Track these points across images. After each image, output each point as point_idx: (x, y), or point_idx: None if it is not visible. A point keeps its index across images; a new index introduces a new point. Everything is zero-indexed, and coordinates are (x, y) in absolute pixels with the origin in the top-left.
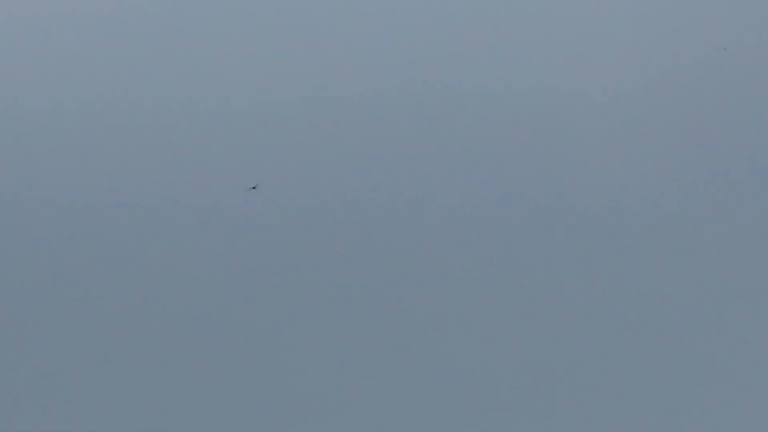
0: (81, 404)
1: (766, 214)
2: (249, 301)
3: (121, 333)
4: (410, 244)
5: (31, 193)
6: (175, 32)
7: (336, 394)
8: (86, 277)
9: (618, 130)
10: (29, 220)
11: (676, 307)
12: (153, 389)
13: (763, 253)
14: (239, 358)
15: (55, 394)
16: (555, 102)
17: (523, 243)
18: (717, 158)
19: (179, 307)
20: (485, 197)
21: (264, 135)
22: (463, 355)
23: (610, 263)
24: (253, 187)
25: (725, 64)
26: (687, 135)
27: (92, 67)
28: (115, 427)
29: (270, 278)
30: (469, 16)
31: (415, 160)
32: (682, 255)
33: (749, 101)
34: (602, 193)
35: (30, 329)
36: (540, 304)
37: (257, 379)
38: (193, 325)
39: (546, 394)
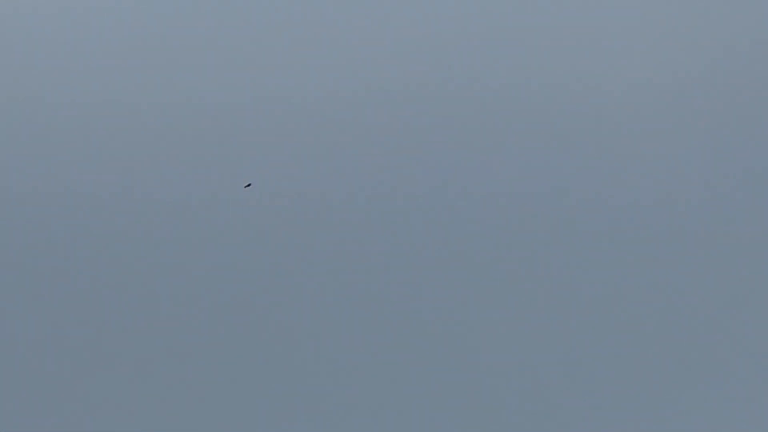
0: (79, 404)
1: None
2: (246, 300)
3: (116, 332)
4: (414, 245)
5: (29, 191)
6: (170, 29)
7: (335, 394)
8: (82, 275)
9: (626, 130)
10: (28, 219)
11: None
12: (147, 389)
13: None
14: (236, 356)
15: (54, 394)
16: (562, 100)
17: (527, 243)
18: (722, 159)
19: (174, 305)
20: (489, 197)
21: (261, 132)
22: (465, 356)
23: (615, 264)
24: (248, 185)
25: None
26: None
27: (88, 64)
28: (114, 427)
29: (266, 278)
30: (476, 14)
31: (419, 160)
32: (687, 255)
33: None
34: (609, 192)
35: (29, 329)
36: (543, 304)
37: (251, 379)
38: (188, 323)
39: (548, 395)
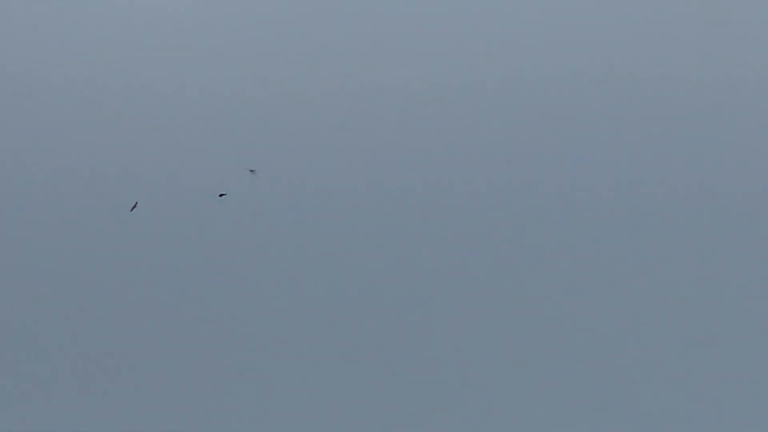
0: (79, 404)
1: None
2: (248, 291)
3: (118, 326)
4: (418, 243)
5: (30, 189)
6: (176, 27)
7: (335, 395)
8: (84, 270)
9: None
10: (28, 217)
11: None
12: (150, 389)
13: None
14: (237, 352)
15: (53, 394)
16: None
17: (528, 243)
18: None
19: (178, 298)
20: (493, 197)
21: (270, 126)
22: (466, 358)
23: (620, 265)
24: (252, 170)
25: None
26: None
27: (91, 59)
28: (113, 427)
29: (269, 267)
30: (478, 13)
31: (423, 159)
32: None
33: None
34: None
35: (29, 329)
36: (544, 306)
37: (253, 378)
38: (191, 314)
39: (549, 396)
